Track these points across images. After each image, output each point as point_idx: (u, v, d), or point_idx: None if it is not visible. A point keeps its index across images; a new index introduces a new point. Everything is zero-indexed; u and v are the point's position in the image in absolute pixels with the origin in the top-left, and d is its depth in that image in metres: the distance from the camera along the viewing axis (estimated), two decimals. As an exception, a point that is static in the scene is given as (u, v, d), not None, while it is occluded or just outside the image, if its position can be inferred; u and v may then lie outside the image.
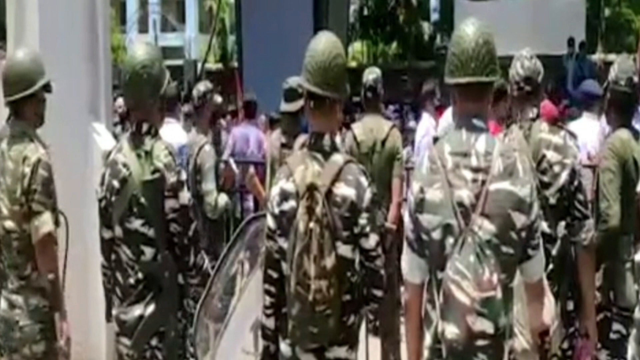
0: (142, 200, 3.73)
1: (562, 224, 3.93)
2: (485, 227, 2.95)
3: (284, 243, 3.32)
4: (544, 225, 3.75)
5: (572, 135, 4.08)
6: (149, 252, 3.75)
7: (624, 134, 4.28)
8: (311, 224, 3.20)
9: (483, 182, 2.98)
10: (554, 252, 3.90)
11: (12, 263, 4.10)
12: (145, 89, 3.79)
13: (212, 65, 27.08)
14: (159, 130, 3.92)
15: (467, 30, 3.07)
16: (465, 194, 2.98)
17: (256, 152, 7.19)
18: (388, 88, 6.39)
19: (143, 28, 44.58)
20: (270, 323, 3.42)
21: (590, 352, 4.10)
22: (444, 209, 3.00)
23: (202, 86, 6.30)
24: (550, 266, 3.76)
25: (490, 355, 2.95)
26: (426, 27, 28.15)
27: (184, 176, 3.82)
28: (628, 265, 4.13)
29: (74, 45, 5.46)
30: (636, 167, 4.18)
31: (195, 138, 6.02)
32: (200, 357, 4.15)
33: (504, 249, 2.97)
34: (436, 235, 3.02)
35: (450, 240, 2.98)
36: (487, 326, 2.91)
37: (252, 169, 6.24)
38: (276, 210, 3.36)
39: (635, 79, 4.32)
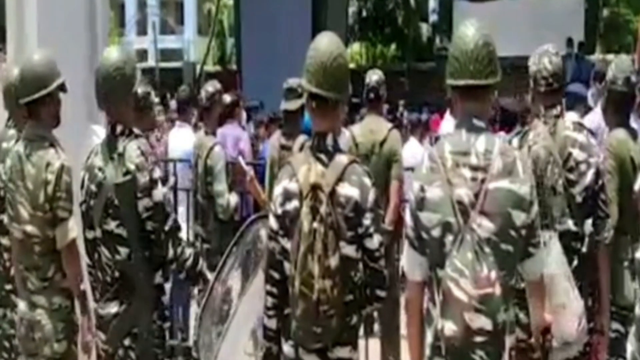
0: (116, 202, 3.82)
1: (589, 222, 3.92)
2: (484, 225, 2.98)
3: (286, 243, 3.31)
4: (569, 223, 3.76)
5: (592, 133, 4.08)
6: (123, 251, 3.85)
7: (621, 133, 4.28)
8: (315, 224, 3.19)
9: (482, 181, 3.00)
10: (584, 249, 3.89)
11: (33, 265, 4.13)
12: (118, 91, 3.89)
13: (211, 67, 27.09)
14: (134, 130, 4.00)
15: (467, 31, 3.09)
16: (464, 193, 3.00)
17: (231, 151, 7.20)
18: (387, 90, 6.35)
19: (142, 30, 44.61)
20: (273, 324, 3.42)
21: (604, 348, 4.07)
22: (443, 207, 3.02)
23: (211, 87, 6.19)
24: (575, 262, 3.77)
25: (488, 351, 2.97)
26: (425, 28, 28.17)
27: (157, 173, 3.89)
28: (626, 264, 4.15)
29: (73, 48, 5.46)
30: (634, 167, 4.18)
31: (204, 139, 5.95)
32: (203, 360, 4.17)
33: (504, 246, 3.00)
34: (436, 233, 3.04)
35: (449, 238, 3.01)
36: (485, 323, 2.93)
37: (251, 171, 6.24)
38: (279, 211, 3.35)
39: (633, 78, 4.33)
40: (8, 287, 4.63)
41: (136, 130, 5.72)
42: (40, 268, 4.12)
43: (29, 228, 4.09)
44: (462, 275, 2.93)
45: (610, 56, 16.27)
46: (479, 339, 2.95)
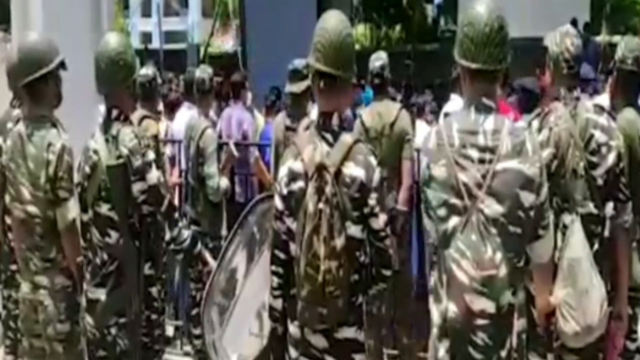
0: (109, 184, 3.89)
1: (610, 205, 3.89)
2: (492, 206, 2.95)
3: (292, 224, 3.30)
4: (590, 206, 3.74)
5: (612, 117, 4.05)
6: (113, 235, 3.92)
7: (630, 113, 4.26)
8: (321, 205, 3.17)
9: (490, 162, 2.97)
10: (606, 233, 3.86)
11: (35, 246, 4.13)
12: (120, 76, 3.96)
13: (215, 49, 27.03)
14: (129, 116, 4.07)
15: (482, 11, 3.04)
16: (471, 173, 2.98)
17: (235, 133, 7.19)
18: (391, 71, 6.31)
19: (146, 12, 44.49)
20: (278, 304, 3.41)
21: (622, 334, 4.05)
22: (448, 188, 3.00)
23: (210, 68, 6.24)
24: (596, 246, 3.75)
25: (490, 334, 2.95)
26: (430, 9, 28.08)
27: (150, 156, 3.95)
28: (634, 245, 4.12)
29: (78, 29, 5.46)
30: (643, 146, 4.16)
31: (197, 121, 5.97)
32: (208, 341, 4.17)
33: (512, 228, 2.97)
34: (441, 212, 3.03)
35: (454, 218, 2.99)
36: (487, 305, 2.92)
37: (257, 152, 6.23)
38: (284, 191, 3.33)
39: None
40: (13, 267, 4.63)
41: (145, 113, 5.76)
42: (42, 249, 4.11)
43: (30, 208, 4.09)
44: (463, 257, 2.92)
45: (616, 38, 16.19)
46: (480, 321, 2.93)
